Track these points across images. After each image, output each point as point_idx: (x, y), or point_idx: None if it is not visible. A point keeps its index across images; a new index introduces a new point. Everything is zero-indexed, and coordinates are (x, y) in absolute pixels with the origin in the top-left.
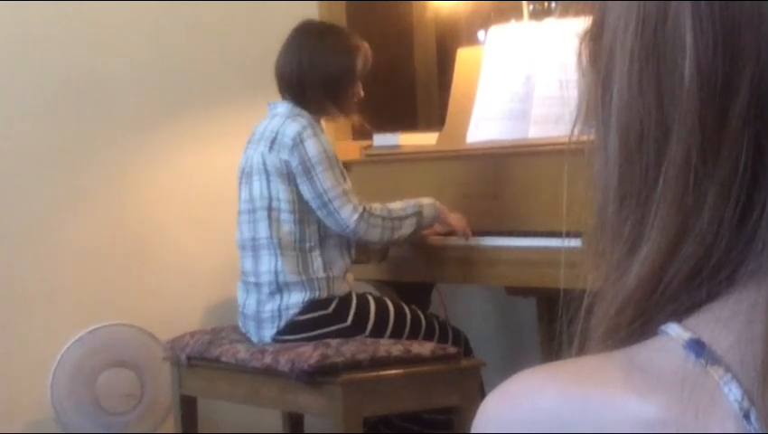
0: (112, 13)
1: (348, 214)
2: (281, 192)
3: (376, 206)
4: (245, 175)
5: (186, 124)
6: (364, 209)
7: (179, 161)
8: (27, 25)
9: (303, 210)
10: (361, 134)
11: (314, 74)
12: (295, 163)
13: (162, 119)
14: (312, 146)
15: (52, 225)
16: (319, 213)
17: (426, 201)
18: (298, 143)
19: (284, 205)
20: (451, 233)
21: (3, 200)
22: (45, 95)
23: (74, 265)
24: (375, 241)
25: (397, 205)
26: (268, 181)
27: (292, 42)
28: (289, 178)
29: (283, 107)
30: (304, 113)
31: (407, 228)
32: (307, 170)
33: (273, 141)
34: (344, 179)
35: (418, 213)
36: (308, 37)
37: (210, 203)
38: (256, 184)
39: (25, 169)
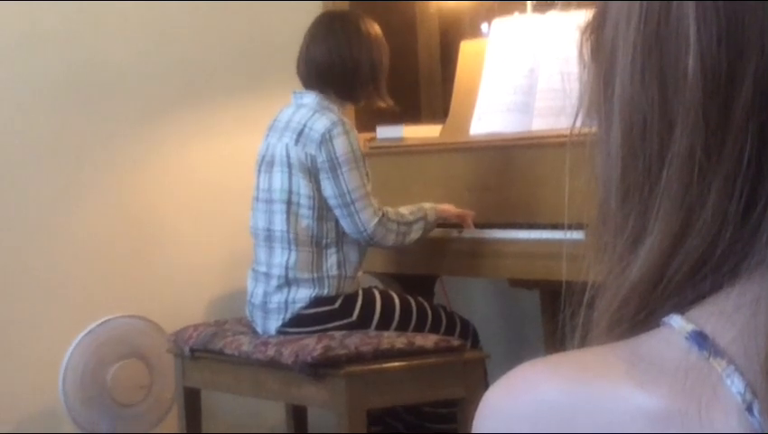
0: (116, 4)
1: (368, 218)
2: (302, 187)
3: (389, 210)
4: (265, 164)
5: (190, 116)
6: (383, 214)
7: (183, 153)
8: (32, 16)
9: (322, 206)
10: (364, 125)
11: (361, 62)
12: (321, 159)
13: (166, 111)
14: (341, 144)
15: (56, 217)
16: (337, 212)
17: (428, 205)
18: (327, 139)
19: (303, 201)
20: (457, 225)
21: (6, 191)
22: (50, 86)
23: (78, 257)
24: (387, 246)
25: (405, 210)
26: (290, 174)
27: (323, 32)
28: (312, 173)
29: (310, 97)
30: (333, 106)
31: (415, 233)
32: (333, 167)
33: (300, 134)
34: (368, 180)
35: (424, 218)
36: (343, 26)
37: (215, 196)
38: (276, 176)
39: (28, 161)
